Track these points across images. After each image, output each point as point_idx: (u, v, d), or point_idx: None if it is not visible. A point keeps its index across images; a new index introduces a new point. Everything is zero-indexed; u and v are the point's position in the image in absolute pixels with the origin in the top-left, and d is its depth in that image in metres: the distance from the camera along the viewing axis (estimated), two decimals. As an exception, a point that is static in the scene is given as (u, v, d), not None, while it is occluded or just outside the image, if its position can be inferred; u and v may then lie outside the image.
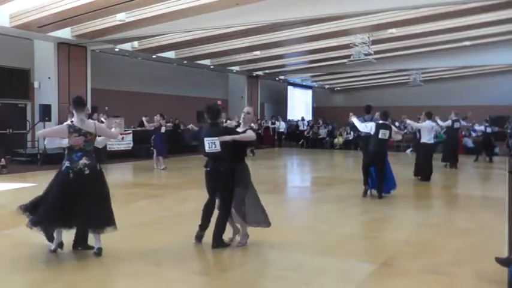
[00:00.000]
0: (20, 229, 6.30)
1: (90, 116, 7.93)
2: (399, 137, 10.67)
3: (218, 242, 5.23)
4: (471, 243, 5.85)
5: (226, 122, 14.69)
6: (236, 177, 5.22)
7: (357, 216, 7.50)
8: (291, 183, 12.67)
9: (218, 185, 5.24)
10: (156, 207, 7.92)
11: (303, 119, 29.67)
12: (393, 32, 16.21)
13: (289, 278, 4.45)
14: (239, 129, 5.56)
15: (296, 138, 26.86)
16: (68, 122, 5.12)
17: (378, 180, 8.68)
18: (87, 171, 4.86)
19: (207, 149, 5.24)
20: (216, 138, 5.16)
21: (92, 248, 5.00)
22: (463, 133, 22.08)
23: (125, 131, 15.78)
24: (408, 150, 20.70)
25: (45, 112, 14.03)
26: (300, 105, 33.05)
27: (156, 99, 20.83)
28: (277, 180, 12.72)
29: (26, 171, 12.10)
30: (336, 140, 24.54)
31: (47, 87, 15.82)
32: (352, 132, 22.56)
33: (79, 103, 5.00)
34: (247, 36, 16.36)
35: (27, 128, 15.57)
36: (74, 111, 4.99)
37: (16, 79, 16.17)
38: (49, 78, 15.75)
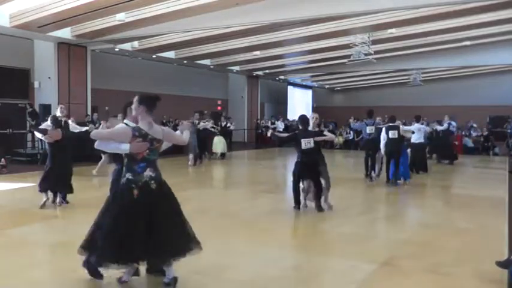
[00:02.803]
0: (20, 229, 6.32)
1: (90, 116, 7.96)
2: (409, 135, 11.75)
3: (320, 208, 7.37)
4: (471, 243, 5.85)
5: (199, 123, 14.68)
6: (320, 163, 7.54)
7: (357, 216, 7.50)
8: (291, 183, 12.63)
9: (310, 171, 7.39)
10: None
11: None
12: (393, 32, 16.22)
13: (289, 278, 4.45)
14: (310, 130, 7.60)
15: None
16: (127, 122, 4.16)
17: (394, 169, 10.39)
18: (153, 186, 3.91)
19: (303, 146, 7.35)
20: (311, 138, 7.35)
21: (162, 273, 4.04)
22: (463, 133, 22.10)
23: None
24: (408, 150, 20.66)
25: (45, 112, 14.02)
26: (300, 105, 33.03)
27: (156, 99, 20.82)
28: (277, 180, 12.72)
29: (26, 171, 12.09)
30: (336, 140, 24.52)
31: (47, 87, 15.83)
32: (351, 133, 22.57)
33: (153, 102, 3.98)
34: (246, 36, 16.36)
35: (27, 128, 15.57)
36: (137, 111, 3.97)
37: (16, 79, 16.17)
38: (49, 78, 15.76)
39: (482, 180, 12.52)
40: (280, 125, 26.25)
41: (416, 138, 12.51)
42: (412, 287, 4.37)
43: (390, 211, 8.18)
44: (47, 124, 7.66)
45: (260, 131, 26.25)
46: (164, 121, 14.57)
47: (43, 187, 7.38)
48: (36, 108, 15.38)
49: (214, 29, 14.62)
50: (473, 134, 22.60)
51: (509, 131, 21.83)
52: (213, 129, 16.21)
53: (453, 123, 16.88)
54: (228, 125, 17.37)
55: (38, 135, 7.91)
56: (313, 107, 34.62)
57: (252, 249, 5.40)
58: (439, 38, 17.83)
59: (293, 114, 31.22)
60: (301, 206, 7.57)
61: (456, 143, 20.58)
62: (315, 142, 7.43)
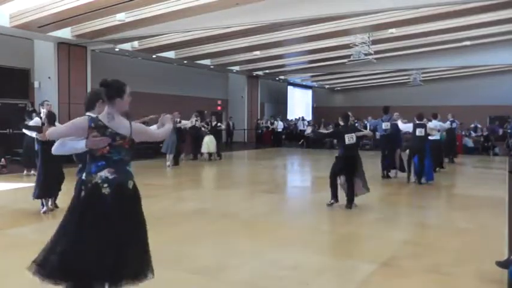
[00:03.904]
0: (20, 229, 6.32)
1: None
2: (435, 133, 11.74)
3: (351, 204, 7.73)
4: (471, 243, 5.85)
5: (180, 122, 14.56)
6: (358, 159, 7.92)
7: (357, 216, 7.50)
8: (291, 183, 12.67)
9: (348, 166, 7.75)
10: (155, 207, 7.91)
11: (303, 119, 29.68)
12: (393, 32, 16.22)
13: (289, 278, 4.45)
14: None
15: (296, 138, 26.87)
16: (89, 114, 3.63)
17: (419, 168, 10.56)
18: (106, 190, 3.19)
19: (346, 141, 7.72)
20: (353, 134, 7.81)
21: None
22: (463, 133, 22.11)
23: None
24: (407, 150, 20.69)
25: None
26: (300, 105, 33.06)
27: (156, 99, 20.82)
28: (277, 180, 12.73)
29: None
30: (336, 140, 24.51)
31: (47, 87, 15.82)
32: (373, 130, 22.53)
33: (113, 87, 3.31)
34: (246, 36, 16.36)
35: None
36: (99, 101, 3.61)
37: (16, 79, 16.17)
38: (49, 78, 15.76)
39: (482, 180, 12.52)
40: (280, 125, 26.28)
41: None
42: (412, 287, 4.36)
43: (390, 211, 8.18)
44: (36, 121, 7.51)
45: (260, 131, 26.26)
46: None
47: (38, 194, 7.01)
48: (36, 108, 15.37)
49: (214, 29, 14.62)
50: (473, 134, 22.60)
51: (509, 131, 21.83)
52: (203, 129, 16.06)
53: (456, 121, 17.12)
54: (219, 124, 17.24)
55: (29, 133, 7.55)
56: (313, 107, 34.63)
57: (251, 249, 5.40)
58: (439, 38, 17.84)
59: (293, 114, 31.25)
60: (336, 201, 7.92)
61: (456, 143, 20.62)
62: (356, 137, 7.89)
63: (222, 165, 15.47)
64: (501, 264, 4.41)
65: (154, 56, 19.24)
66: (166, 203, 8.38)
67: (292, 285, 4.29)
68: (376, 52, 18.08)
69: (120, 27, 13.41)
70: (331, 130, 8.65)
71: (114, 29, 13.81)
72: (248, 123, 26.60)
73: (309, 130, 9.00)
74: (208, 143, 16.09)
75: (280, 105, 31.24)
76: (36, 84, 16.08)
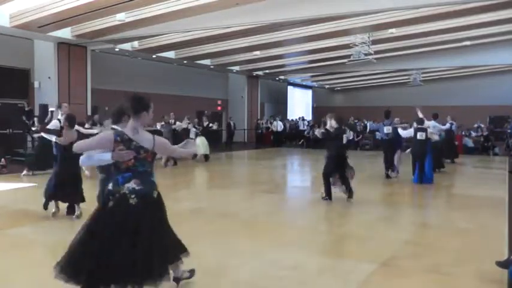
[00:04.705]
0: (20, 229, 6.32)
1: (90, 118, 7.54)
2: (436, 137, 11.82)
3: (352, 194, 8.39)
4: (471, 243, 5.85)
5: (175, 123, 14.44)
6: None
7: (357, 216, 7.50)
8: (291, 183, 12.67)
9: (341, 164, 8.42)
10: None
11: (303, 119, 29.68)
12: (393, 32, 16.21)
13: (289, 278, 4.45)
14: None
15: (296, 138, 26.86)
16: (115, 127, 3.84)
17: (418, 171, 10.81)
18: (133, 201, 3.41)
19: (345, 141, 8.41)
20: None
21: None
22: (463, 133, 22.11)
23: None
24: (408, 150, 20.68)
25: (45, 112, 14.01)
26: (300, 105, 33.05)
27: (156, 99, 20.69)
28: (277, 180, 12.73)
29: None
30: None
31: (47, 87, 15.82)
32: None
33: (141, 102, 3.53)
34: (246, 36, 16.36)
35: (33, 128, 15.54)
36: (124, 116, 3.81)
37: (16, 79, 16.17)
38: (49, 78, 15.76)
39: (482, 180, 12.52)
40: (279, 125, 26.27)
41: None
42: (412, 287, 4.36)
43: (390, 211, 8.18)
44: (55, 124, 7.25)
45: (260, 131, 26.26)
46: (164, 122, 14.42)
47: (50, 195, 6.75)
48: (36, 108, 15.37)
49: (214, 29, 14.62)
50: (473, 134, 22.60)
51: (509, 131, 21.82)
52: (194, 129, 15.86)
53: (454, 123, 17.13)
54: (210, 125, 17.14)
55: (48, 137, 7.00)
56: (313, 107, 34.63)
57: (251, 249, 5.40)
58: (439, 38, 17.83)
59: (293, 114, 31.24)
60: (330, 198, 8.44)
61: (456, 143, 20.61)
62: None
63: (222, 166, 15.47)
64: (501, 264, 4.42)
65: (154, 56, 19.24)
66: (166, 203, 8.37)
67: (292, 285, 4.29)
68: (376, 52, 18.07)
69: (120, 27, 13.41)
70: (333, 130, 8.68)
71: (114, 29, 13.81)
72: (248, 123, 26.60)
73: (318, 132, 9.13)
74: (200, 145, 15.80)
75: (280, 105, 31.24)
76: (36, 84, 16.08)
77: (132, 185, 3.43)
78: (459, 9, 12.97)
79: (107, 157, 3.46)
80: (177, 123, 14.45)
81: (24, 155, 13.93)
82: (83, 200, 6.79)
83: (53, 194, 6.74)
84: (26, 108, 15.09)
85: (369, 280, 4.47)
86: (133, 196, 3.41)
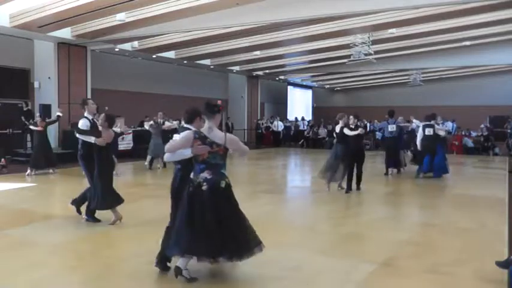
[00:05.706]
0: (20, 229, 6.32)
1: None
2: (442, 133, 12.51)
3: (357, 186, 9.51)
4: (471, 243, 5.85)
5: (164, 124, 14.31)
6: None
7: (357, 216, 7.50)
8: (291, 183, 12.67)
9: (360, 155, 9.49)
10: (157, 207, 7.91)
11: (303, 119, 29.66)
12: (393, 32, 16.21)
13: (289, 278, 4.45)
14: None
15: (295, 138, 26.86)
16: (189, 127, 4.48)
17: (429, 162, 11.60)
18: (204, 187, 4.16)
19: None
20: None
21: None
22: (463, 133, 22.11)
23: (127, 131, 15.64)
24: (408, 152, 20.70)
25: (45, 112, 14.03)
26: (300, 105, 33.02)
27: (156, 99, 20.83)
28: (277, 180, 12.72)
29: (25, 171, 12.07)
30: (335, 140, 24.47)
31: (47, 87, 15.83)
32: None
33: (214, 106, 4.30)
34: (247, 36, 16.36)
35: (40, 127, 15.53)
36: (202, 117, 4.38)
37: (16, 79, 16.18)
38: (49, 78, 15.76)
39: (482, 180, 12.52)
40: (279, 125, 26.27)
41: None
42: (412, 287, 4.36)
43: (390, 211, 8.18)
44: (85, 124, 6.51)
45: (260, 131, 26.25)
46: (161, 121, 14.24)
47: (108, 203, 6.32)
48: (36, 108, 15.38)
49: (214, 29, 14.61)
50: (473, 134, 22.60)
51: (509, 131, 21.81)
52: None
53: (450, 123, 17.12)
54: None
55: (86, 139, 6.41)
56: (313, 107, 34.61)
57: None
58: (439, 38, 17.82)
59: (293, 114, 31.23)
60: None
61: (456, 143, 20.62)
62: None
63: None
64: (501, 264, 4.42)
65: (154, 56, 19.24)
66: (166, 203, 8.36)
67: (293, 285, 4.30)
68: (376, 52, 18.07)
69: (120, 27, 13.41)
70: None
71: (114, 29, 13.81)
72: (248, 123, 26.60)
73: (347, 131, 9.39)
74: None
75: (280, 105, 31.24)
76: (36, 84, 16.09)
77: (205, 174, 4.17)
78: (459, 9, 12.96)
79: (187, 152, 4.18)
80: (166, 123, 14.20)
81: (27, 155, 13.98)
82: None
83: (110, 202, 6.36)
84: (25, 108, 15.08)
85: (369, 280, 4.47)
86: (204, 184, 4.14)
